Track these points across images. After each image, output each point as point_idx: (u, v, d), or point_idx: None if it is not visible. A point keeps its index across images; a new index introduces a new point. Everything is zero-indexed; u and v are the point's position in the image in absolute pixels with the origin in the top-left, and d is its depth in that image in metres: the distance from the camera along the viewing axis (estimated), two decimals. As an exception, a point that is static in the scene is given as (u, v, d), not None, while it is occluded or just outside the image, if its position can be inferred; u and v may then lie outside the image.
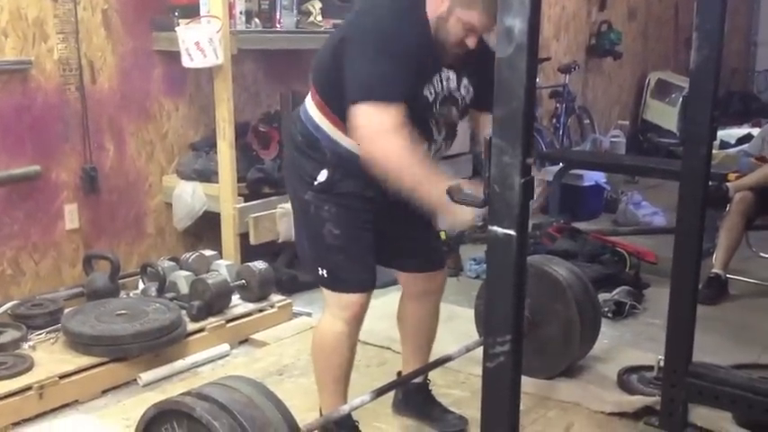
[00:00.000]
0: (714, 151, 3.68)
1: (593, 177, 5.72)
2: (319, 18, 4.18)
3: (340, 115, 2.21)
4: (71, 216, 3.73)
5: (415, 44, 2.16)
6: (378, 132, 2.09)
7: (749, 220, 4.13)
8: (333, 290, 2.36)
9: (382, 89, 2.10)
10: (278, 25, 4.05)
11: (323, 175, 2.29)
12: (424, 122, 2.29)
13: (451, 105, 2.34)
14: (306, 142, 2.32)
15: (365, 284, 2.36)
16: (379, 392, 2.45)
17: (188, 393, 1.96)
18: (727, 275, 4.17)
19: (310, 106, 2.35)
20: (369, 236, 2.36)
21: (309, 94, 2.36)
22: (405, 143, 2.08)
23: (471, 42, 2.22)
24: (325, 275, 2.35)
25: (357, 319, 2.39)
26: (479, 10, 2.13)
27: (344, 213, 2.31)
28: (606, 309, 3.69)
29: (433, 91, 2.27)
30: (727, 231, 4.08)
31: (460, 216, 2.07)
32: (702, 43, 2.40)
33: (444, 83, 2.30)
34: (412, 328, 2.69)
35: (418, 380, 2.75)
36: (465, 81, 2.35)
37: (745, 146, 4.79)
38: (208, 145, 4.07)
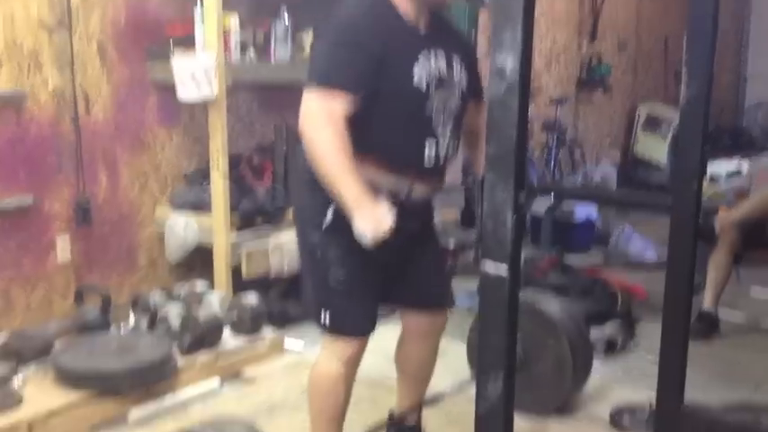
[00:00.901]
0: (704, 185, 3.72)
1: (584, 211, 5.74)
2: (313, 51, 4.20)
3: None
4: (63, 247, 3.72)
5: (383, 35, 2.17)
6: (314, 116, 2.11)
7: (737, 256, 4.14)
8: (333, 334, 2.35)
9: (333, 75, 2.12)
10: (273, 57, 4.08)
11: (330, 214, 2.26)
12: (426, 118, 2.26)
13: (449, 91, 2.30)
14: (312, 177, 2.25)
15: (366, 330, 2.35)
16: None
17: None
18: (719, 311, 4.18)
19: None
20: (375, 278, 2.33)
21: None
22: (337, 135, 2.09)
23: None
24: (328, 319, 2.33)
25: (355, 361, 2.38)
26: None
27: (350, 256, 2.27)
28: (598, 345, 3.68)
29: (423, 76, 2.23)
30: (715, 268, 4.10)
31: (376, 221, 2.07)
32: (692, 79, 2.41)
33: (433, 63, 2.25)
34: (411, 368, 2.66)
35: (411, 419, 2.72)
36: (456, 66, 2.32)
37: (735, 184, 4.78)
38: (201, 176, 4.07)
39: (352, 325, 2.34)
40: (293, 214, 2.54)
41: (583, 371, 3.09)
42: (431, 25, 2.30)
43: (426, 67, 2.23)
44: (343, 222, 2.18)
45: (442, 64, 2.27)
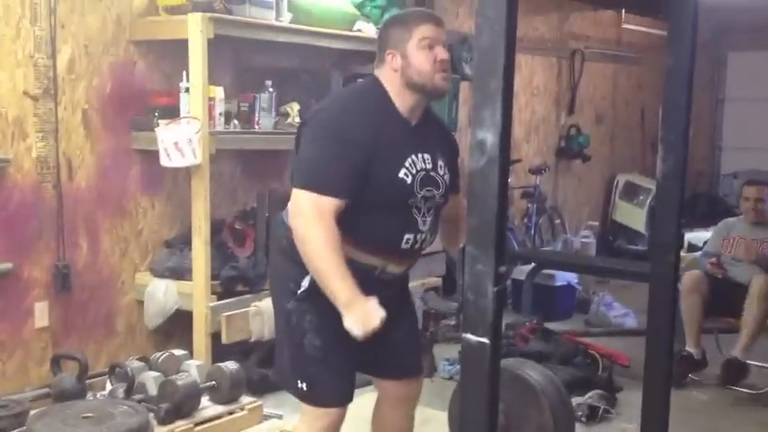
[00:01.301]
0: (681, 254, 3.79)
1: (565, 277, 5.78)
2: (297, 119, 4.26)
3: None
4: (41, 314, 3.69)
5: (373, 131, 2.22)
6: (305, 213, 2.15)
7: (706, 302, 4.31)
8: (311, 404, 2.33)
9: (324, 180, 2.16)
10: (256, 126, 4.13)
11: (306, 282, 2.27)
12: (408, 210, 2.30)
13: (433, 187, 2.34)
14: (290, 245, 2.28)
15: (344, 399, 2.34)
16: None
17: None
18: (704, 354, 4.38)
19: None
20: (351, 346, 2.30)
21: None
22: (328, 231, 2.13)
23: (441, 53, 2.29)
24: (305, 389, 2.31)
25: (333, 430, 2.36)
26: (421, 25, 2.25)
27: (327, 323, 2.26)
28: (580, 413, 3.68)
29: (410, 173, 2.27)
30: (686, 312, 4.30)
31: (366, 318, 2.10)
32: (668, 154, 2.47)
33: (420, 163, 2.30)
34: None
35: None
36: (440, 162, 2.38)
37: (704, 248, 4.93)
38: (183, 242, 4.07)
39: (330, 394, 2.32)
40: (269, 281, 2.56)
41: (565, 440, 3.07)
42: (421, 117, 2.37)
43: (414, 166, 2.29)
44: (319, 290, 2.21)
45: (429, 163, 2.34)
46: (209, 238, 3.83)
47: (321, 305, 2.23)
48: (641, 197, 7.79)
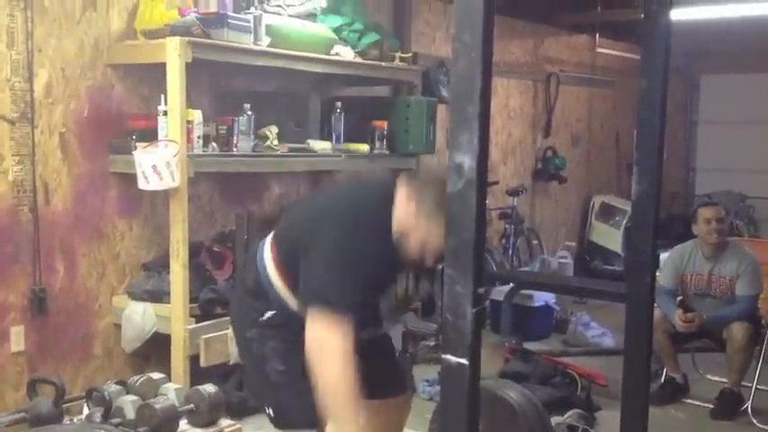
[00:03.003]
0: (657, 274, 3.81)
1: (542, 298, 5.82)
2: (276, 142, 4.28)
3: (295, 280, 2.28)
4: (17, 338, 3.65)
5: (374, 258, 2.23)
6: (324, 349, 2.13)
7: (673, 334, 4.33)
8: (281, 428, 2.34)
9: (336, 302, 2.15)
10: (235, 149, 4.13)
11: (270, 314, 2.33)
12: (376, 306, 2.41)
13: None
14: (256, 288, 2.36)
15: (314, 423, 2.32)
16: None
17: None
18: (686, 378, 4.45)
19: (268, 260, 2.37)
20: None
21: (269, 245, 2.40)
22: (345, 368, 2.12)
23: (429, 261, 2.31)
24: (272, 414, 2.34)
25: None
26: (441, 232, 2.19)
27: (291, 348, 2.28)
28: (559, 432, 3.69)
29: (390, 292, 2.43)
30: (655, 346, 4.30)
31: None
32: (642, 175, 2.52)
33: (404, 282, 2.42)
34: None
35: None
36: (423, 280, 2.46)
37: (660, 282, 4.56)
38: (160, 265, 4.06)
39: (299, 419, 2.32)
40: (231, 313, 2.59)
41: (544, 460, 3.08)
42: None
43: (393, 292, 2.44)
44: (281, 321, 2.27)
45: (411, 283, 2.50)
46: (187, 261, 3.81)
47: (284, 333, 2.29)
48: (617, 218, 7.87)
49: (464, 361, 1.73)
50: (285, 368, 2.32)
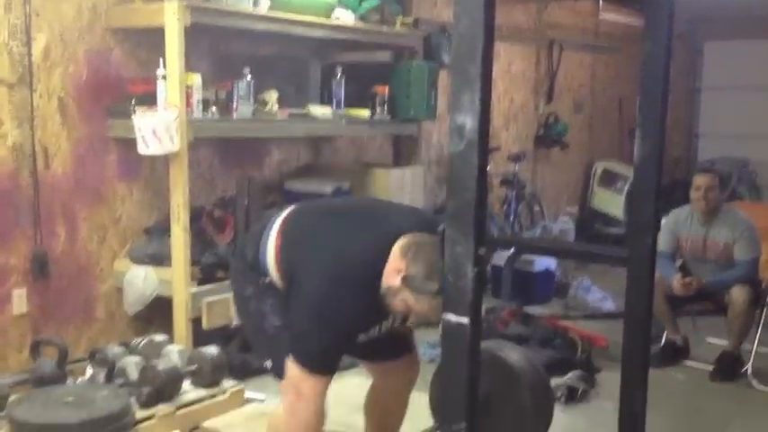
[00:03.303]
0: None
1: (543, 263, 5.83)
2: (275, 108, 4.26)
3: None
4: (19, 301, 3.67)
5: (353, 315, 2.26)
6: (295, 396, 2.25)
7: (671, 295, 4.34)
8: (282, 378, 2.36)
9: (314, 360, 2.25)
10: (234, 114, 4.11)
11: (268, 279, 2.41)
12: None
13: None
14: (254, 263, 2.44)
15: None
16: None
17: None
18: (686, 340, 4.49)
19: (270, 253, 2.41)
20: None
21: (274, 236, 2.42)
22: (316, 416, 2.25)
23: (412, 323, 2.39)
24: (270, 366, 2.42)
25: (315, 404, 2.38)
26: (426, 303, 2.19)
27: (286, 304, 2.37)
28: (559, 393, 3.72)
29: (370, 333, 2.40)
30: (654, 308, 4.28)
31: None
32: (645, 138, 2.51)
33: (383, 327, 2.42)
34: (378, 419, 2.69)
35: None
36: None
37: (659, 248, 4.72)
38: (161, 229, 4.06)
39: None
40: (231, 279, 2.64)
41: (544, 419, 3.10)
42: None
43: (374, 331, 2.42)
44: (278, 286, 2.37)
45: (396, 323, 2.46)
46: (188, 225, 3.82)
47: (281, 295, 2.38)
48: (619, 184, 7.85)
49: (464, 320, 1.74)
50: (282, 323, 2.37)
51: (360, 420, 2.76)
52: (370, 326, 2.37)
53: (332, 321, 2.22)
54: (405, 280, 2.17)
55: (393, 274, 2.20)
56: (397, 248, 2.23)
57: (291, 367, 2.25)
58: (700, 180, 4.51)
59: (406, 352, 2.66)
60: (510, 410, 2.99)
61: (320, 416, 2.28)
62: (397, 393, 2.67)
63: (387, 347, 2.56)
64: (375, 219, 2.42)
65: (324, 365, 2.26)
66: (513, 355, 3.10)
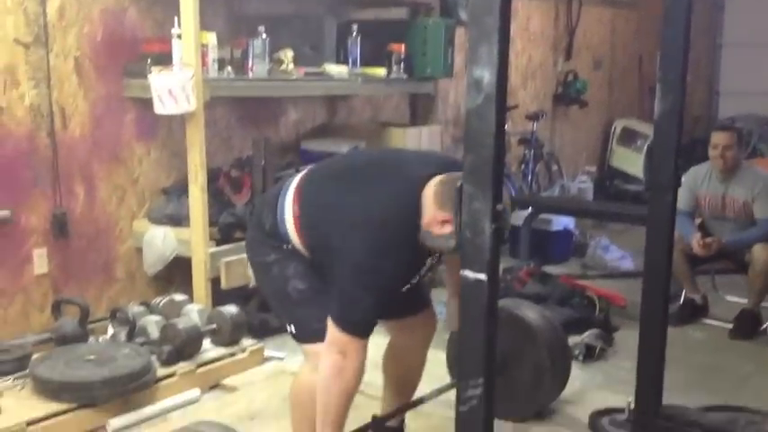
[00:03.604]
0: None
1: (562, 222, 5.80)
2: (291, 66, 4.23)
3: (313, 250, 2.37)
4: (40, 261, 3.70)
5: (402, 270, 2.29)
6: (341, 356, 2.23)
7: (690, 254, 4.30)
8: (306, 341, 2.38)
9: (358, 324, 2.24)
10: (250, 73, 4.09)
11: (290, 246, 2.40)
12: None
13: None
14: (273, 232, 2.42)
15: None
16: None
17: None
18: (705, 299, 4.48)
19: (288, 217, 2.39)
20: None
21: (291, 198, 2.40)
22: (349, 393, 2.26)
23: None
24: (294, 330, 2.40)
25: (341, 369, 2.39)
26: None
27: (312, 269, 2.38)
28: (577, 352, 3.73)
29: (413, 281, 2.40)
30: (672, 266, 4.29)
31: None
32: (666, 94, 2.48)
33: (422, 272, 2.42)
34: (397, 376, 2.71)
35: (394, 423, 2.75)
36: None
37: (678, 206, 4.68)
38: (179, 190, 4.07)
39: (319, 330, 2.35)
40: (247, 245, 2.60)
41: (562, 377, 3.12)
42: None
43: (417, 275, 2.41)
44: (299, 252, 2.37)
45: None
46: (205, 185, 3.82)
47: (303, 258, 2.39)
48: (639, 142, 7.77)
49: (482, 276, 1.73)
50: (306, 287, 2.36)
51: (378, 378, 2.78)
52: (413, 274, 2.37)
53: (379, 281, 2.22)
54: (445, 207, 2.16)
55: (436, 225, 2.19)
56: (430, 195, 2.20)
57: (336, 329, 2.23)
58: (717, 138, 4.43)
59: (424, 307, 2.67)
60: (527, 367, 3.01)
61: (363, 373, 2.29)
62: (415, 349, 2.68)
63: (406, 303, 2.56)
64: (393, 168, 2.39)
65: (370, 326, 2.27)
66: (530, 313, 3.11)
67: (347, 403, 2.28)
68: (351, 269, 2.22)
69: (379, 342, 2.77)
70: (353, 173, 2.45)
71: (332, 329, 2.24)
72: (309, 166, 2.62)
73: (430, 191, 2.21)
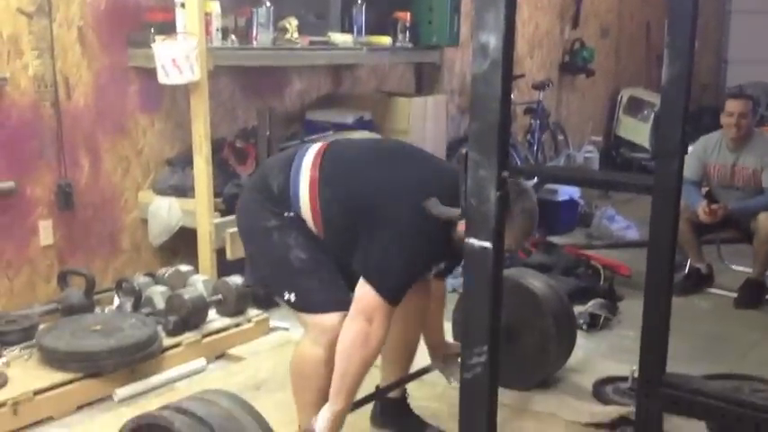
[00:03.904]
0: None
1: (567, 192, 5.79)
2: (296, 35, 4.20)
3: (326, 231, 2.36)
4: (46, 232, 3.71)
5: (437, 246, 2.31)
6: (368, 323, 2.24)
7: (696, 222, 4.28)
8: (308, 311, 2.37)
9: (392, 289, 2.25)
10: (254, 42, 4.06)
11: (292, 214, 2.37)
12: None
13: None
14: (281, 196, 2.38)
15: (342, 304, 2.33)
16: (357, 405, 2.46)
17: (166, 407, 1.96)
18: (710, 268, 4.48)
19: (304, 184, 2.36)
20: (338, 265, 2.41)
21: (309, 165, 2.37)
22: (370, 360, 2.28)
23: None
24: (293, 299, 2.37)
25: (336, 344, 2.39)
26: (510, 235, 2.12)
27: (313, 241, 2.38)
28: (581, 321, 3.73)
29: (439, 266, 2.46)
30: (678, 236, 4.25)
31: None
32: (673, 60, 2.45)
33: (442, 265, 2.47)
34: (395, 347, 2.70)
35: (396, 393, 2.76)
36: None
37: (686, 175, 4.62)
38: (184, 160, 4.06)
39: (326, 300, 2.35)
40: (239, 209, 2.56)
41: (566, 345, 3.13)
42: None
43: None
44: (301, 222, 2.36)
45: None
46: (210, 156, 3.81)
47: (305, 229, 2.37)
48: (645, 112, 7.72)
49: (487, 244, 1.72)
50: (307, 256, 2.35)
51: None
52: (440, 260, 2.41)
53: (419, 250, 2.26)
54: None
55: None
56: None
57: (369, 296, 2.23)
58: (733, 105, 4.39)
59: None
60: (532, 336, 3.02)
61: (384, 344, 2.31)
62: (418, 311, 2.66)
63: None
64: (423, 157, 2.48)
65: (402, 293, 2.29)
66: (535, 282, 3.11)
67: (365, 372, 2.30)
68: (395, 235, 2.25)
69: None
70: (393, 150, 2.54)
71: (364, 294, 2.24)
72: (329, 139, 2.63)
73: None
